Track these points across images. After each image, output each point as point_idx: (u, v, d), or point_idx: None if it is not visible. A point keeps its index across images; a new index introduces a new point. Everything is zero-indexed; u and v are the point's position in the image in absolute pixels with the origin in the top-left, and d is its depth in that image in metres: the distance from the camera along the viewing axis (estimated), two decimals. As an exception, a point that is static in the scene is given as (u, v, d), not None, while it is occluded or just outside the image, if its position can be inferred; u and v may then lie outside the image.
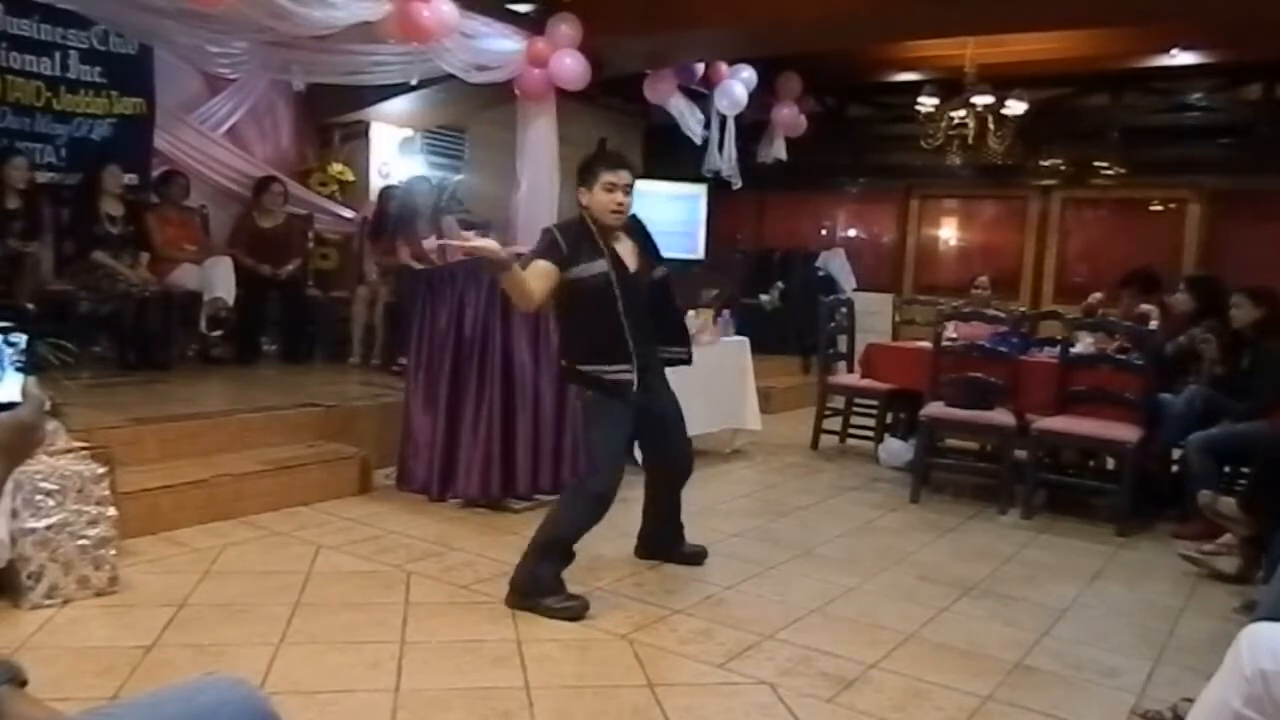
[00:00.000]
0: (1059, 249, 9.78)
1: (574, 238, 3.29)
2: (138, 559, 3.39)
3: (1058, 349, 5.30)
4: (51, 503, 2.99)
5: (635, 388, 3.31)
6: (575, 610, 3.14)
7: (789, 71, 7.67)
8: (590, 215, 3.33)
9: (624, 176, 3.31)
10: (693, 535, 3.96)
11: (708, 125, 7.25)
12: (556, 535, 3.29)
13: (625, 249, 3.40)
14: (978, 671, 2.92)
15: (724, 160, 7.35)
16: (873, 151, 10.50)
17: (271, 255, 6.31)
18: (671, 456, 3.67)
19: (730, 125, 7.33)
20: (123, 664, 2.61)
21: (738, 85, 7.13)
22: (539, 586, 3.20)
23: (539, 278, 3.19)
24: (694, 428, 5.51)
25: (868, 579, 3.76)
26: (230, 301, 5.81)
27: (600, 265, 3.28)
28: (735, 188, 7.65)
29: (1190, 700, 2.35)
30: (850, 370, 6.64)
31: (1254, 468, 4.11)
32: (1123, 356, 5.07)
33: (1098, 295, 6.43)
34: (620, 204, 3.31)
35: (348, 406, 5.03)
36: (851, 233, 11.11)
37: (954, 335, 5.49)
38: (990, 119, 7.87)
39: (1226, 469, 4.61)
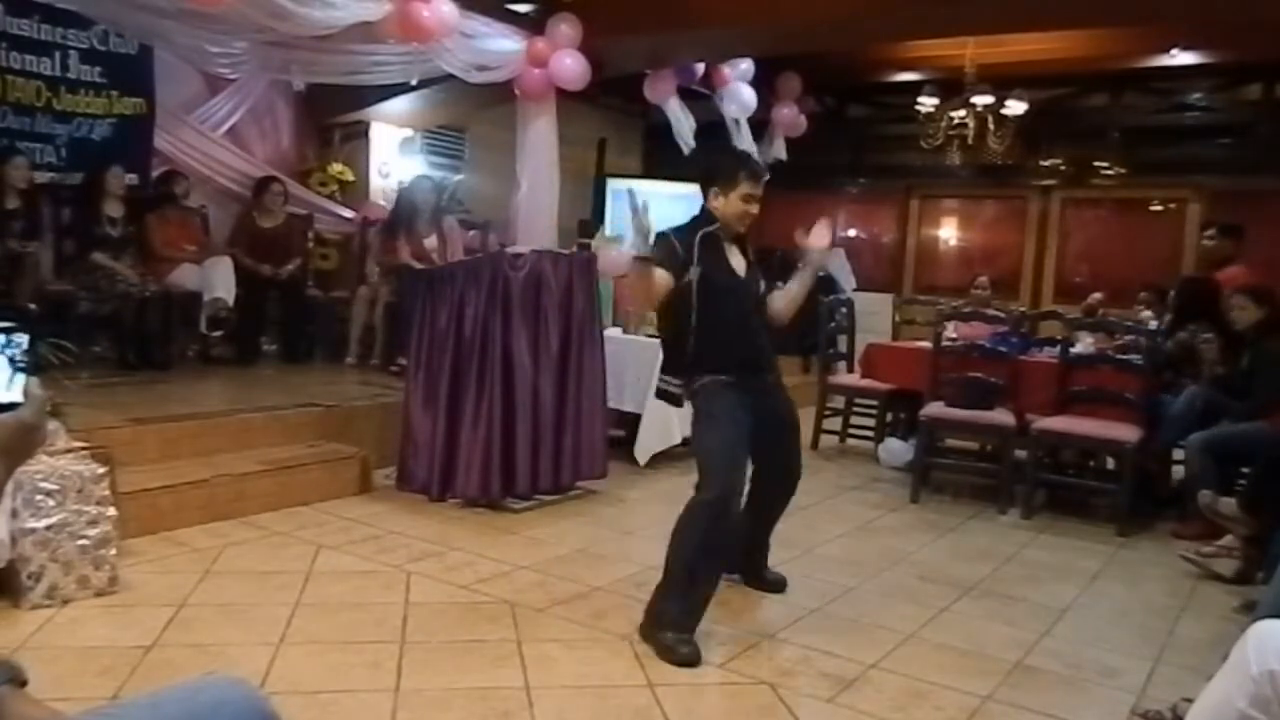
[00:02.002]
0: (1059, 249, 9.78)
1: (692, 243, 3.14)
2: (138, 559, 3.39)
3: (1058, 349, 5.30)
4: (51, 503, 2.99)
5: (749, 390, 3.17)
6: (684, 656, 2.83)
7: (789, 71, 7.66)
8: (722, 219, 3.21)
9: (760, 189, 3.23)
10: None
11: (714, 125, 7.22)
12: (675, 559, 2.99)
13: (738, 254, 3.30)
14: (978, 671, 2.92)
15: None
16: (873, 151, 10.50)
17: (271, 255, 6.31)
18: (780, 468, 3.43)
19: (744, 121, 7.31)
20: (123, 664, 2.61)
21: (744, 88, 7.12)
22: (659, 620, 2.96)
23: (661, 283, 3.08)
24: (694, 428, 5.57)
25: (868, 579, 3.76)
26: (230, 301, 5.80)
27: (724, 270, 3.21)
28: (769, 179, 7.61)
29: (1190, 700, 2.34)
30: (850, 370, 6.64)
31: (1254, 468, 4.11)
32: (1123, 357, 5.07)
33: (1098, 295, 6.43)
34: (753, 215, 3.24)
35: (348, 406, 5.03)
36: (851, 233, 11.10)
37: (954, 335, 5.49)
38: (990, 119, 7.86)
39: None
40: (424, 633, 2.96)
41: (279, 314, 6.44)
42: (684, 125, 7.01)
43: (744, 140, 7.28)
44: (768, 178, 3.30)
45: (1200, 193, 8.97)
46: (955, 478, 5.58)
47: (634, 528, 4.33)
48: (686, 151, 6.99)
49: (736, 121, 7.23)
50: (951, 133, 7.99)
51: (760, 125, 7.86)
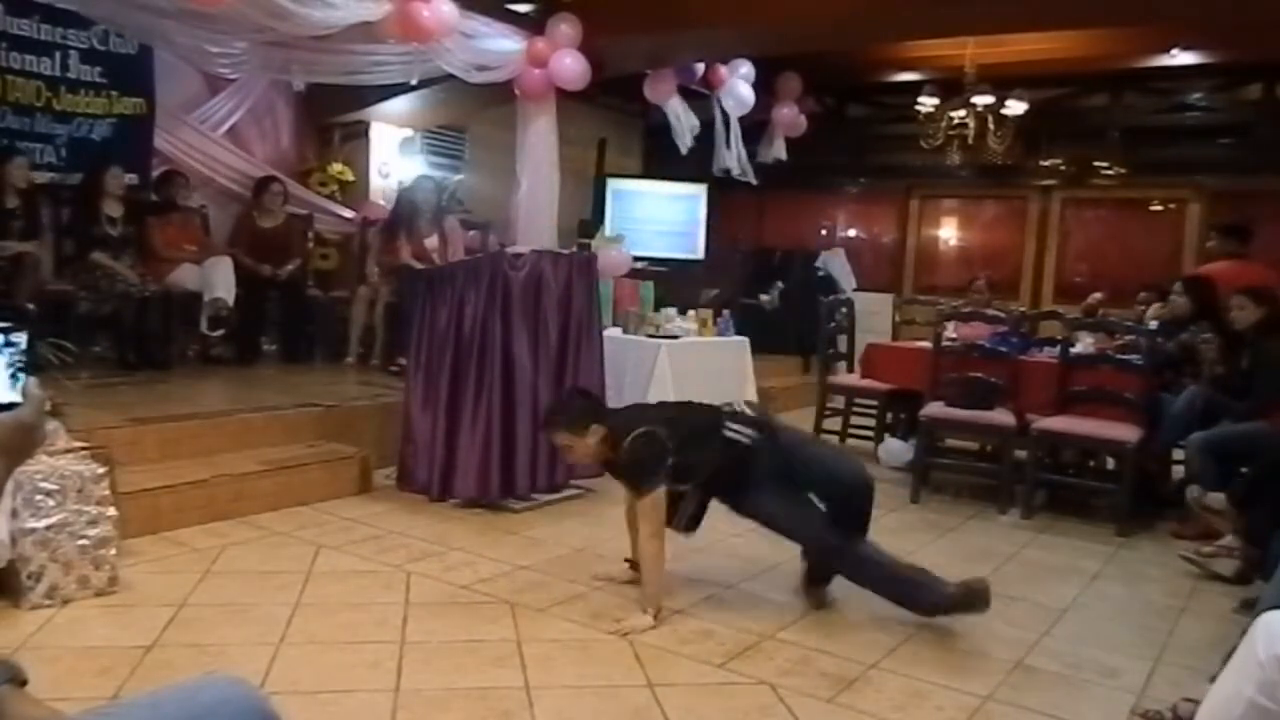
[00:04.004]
0: (1059, 249, 9.79)
1: None
2: (138, 559, 3.39)
3: (1058, 349, 5.30)
4: (51, 503, 2.99)
5: None
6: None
7: (789, 71, 7.66)
8: None
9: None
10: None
11: (713, 125, 7.22)
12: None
13: None
14: (978, 671, 2.92)
15: (734, 158, 7.30)
16: (873, 151, 10.51)
17: (271, 255, 6.31)
18: None
19: (735, 124, 7.31)
20: (123, 664, 2.61)
21: (743, 85, 7.12)
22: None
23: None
24: (694, 428, 5.57)
25: (868, 579, 3.75)
26: (230, 301, 5.79)
27: None
28: (754, 184, 7.60)
29: (1190, 700, 2.35)
30: (850, 370, 6.64)
31: (1252, 468, 4.10)
32: (1123, 357, 5.07)
33: (1098, 295, 6.43)
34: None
35: (347, 406, 5.03)
36: (851, 233, 11.12)
37: (954, 335, 5.48)
38: (990, 119, 7.87)
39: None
40: (424, 633, 2.96)
41: (279, 314, 6.44)
42: (684, 125, 7.00)
43: (733, 141, 7.27)
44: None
45: (1200, 193, 8.98)
46: (955, 478, 5.58)
47: (634, 528, 4.32)
48: (684, 152, 6.99)
49: (727, 124, 7.22)
50: (951, 133, 8.00)
51: (760, 125, 7.86)
